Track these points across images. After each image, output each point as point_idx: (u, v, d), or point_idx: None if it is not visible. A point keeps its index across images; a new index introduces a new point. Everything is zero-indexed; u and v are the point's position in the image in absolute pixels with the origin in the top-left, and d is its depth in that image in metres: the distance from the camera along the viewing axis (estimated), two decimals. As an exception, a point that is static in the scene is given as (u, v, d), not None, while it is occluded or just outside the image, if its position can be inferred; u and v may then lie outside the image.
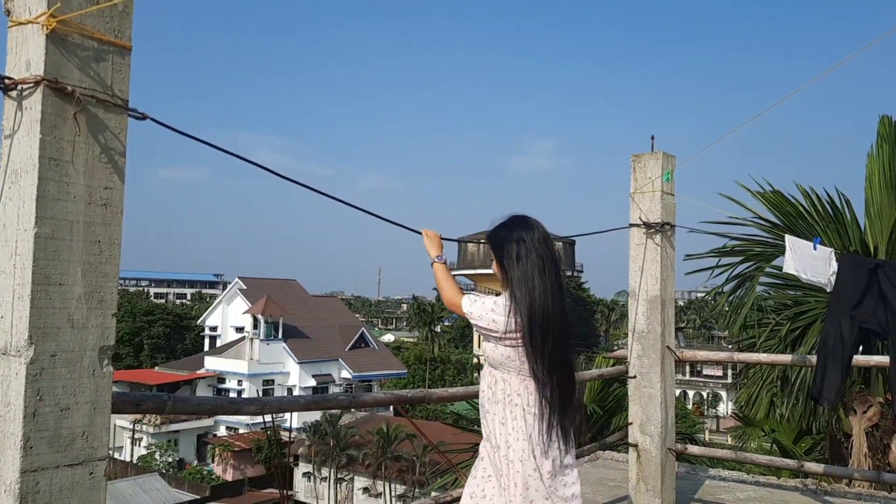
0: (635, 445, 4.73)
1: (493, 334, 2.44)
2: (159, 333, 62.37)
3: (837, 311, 3.74)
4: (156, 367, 51.73)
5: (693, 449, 5.46)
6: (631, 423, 4.82)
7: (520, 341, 2.39)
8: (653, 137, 4.85)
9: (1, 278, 1.69)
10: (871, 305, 3.59)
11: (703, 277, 6.96)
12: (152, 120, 1.98)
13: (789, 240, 4.18)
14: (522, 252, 2.44)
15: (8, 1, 1.78)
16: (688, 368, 56.26)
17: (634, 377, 4.78)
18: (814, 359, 4.95)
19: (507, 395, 2.44)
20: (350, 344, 49.62)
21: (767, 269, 7.10)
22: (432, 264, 2.88)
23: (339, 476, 35.96)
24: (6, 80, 1.73)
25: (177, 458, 40.73)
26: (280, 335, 46.99)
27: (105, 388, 1.77)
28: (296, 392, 44.77)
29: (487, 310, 2.45)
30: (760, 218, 6.95)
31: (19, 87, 1.70)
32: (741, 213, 6.97)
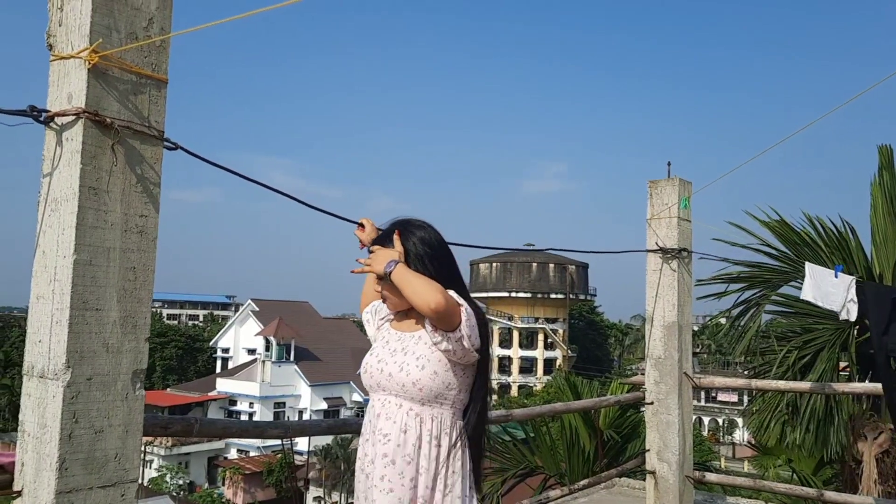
0: (653, 472, 4.71)
1: (472, 354, 2.01)
2: (171, 355, 62.60)
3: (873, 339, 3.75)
4: (167, 389, 51.83)
5: (711, 477, 5.41)
6: (648, 450, 4.80)
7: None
8: (669, 164, 4.90)
9: (40, 303, 1.74)
10: None
11: (718, 302, 6.96)
12: (183, 150, 2.03)
13: (809, 267, 4.19)
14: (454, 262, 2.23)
15: (50, 36, 1.85)
16: (703, 394, 55.64)
17: (651, 403, 4.77)
18: (833, 386, 4.95)
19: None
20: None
21: (775, 297, 7.10)
22: (389, 274, 2.00)
23: (349, 501, 35.72)
24: (47, 113, 1.80)
25: (187, 481, 40.61)
26: (292, 357, 47.03)
27: (137, 411, 1.81)
28: (306, 415, 44.64)
29: (474, 323, 1.99)
30: (768, 245, 6.98)
31: (60, 119, 1.76)
32: (751, 240, 7.01)
